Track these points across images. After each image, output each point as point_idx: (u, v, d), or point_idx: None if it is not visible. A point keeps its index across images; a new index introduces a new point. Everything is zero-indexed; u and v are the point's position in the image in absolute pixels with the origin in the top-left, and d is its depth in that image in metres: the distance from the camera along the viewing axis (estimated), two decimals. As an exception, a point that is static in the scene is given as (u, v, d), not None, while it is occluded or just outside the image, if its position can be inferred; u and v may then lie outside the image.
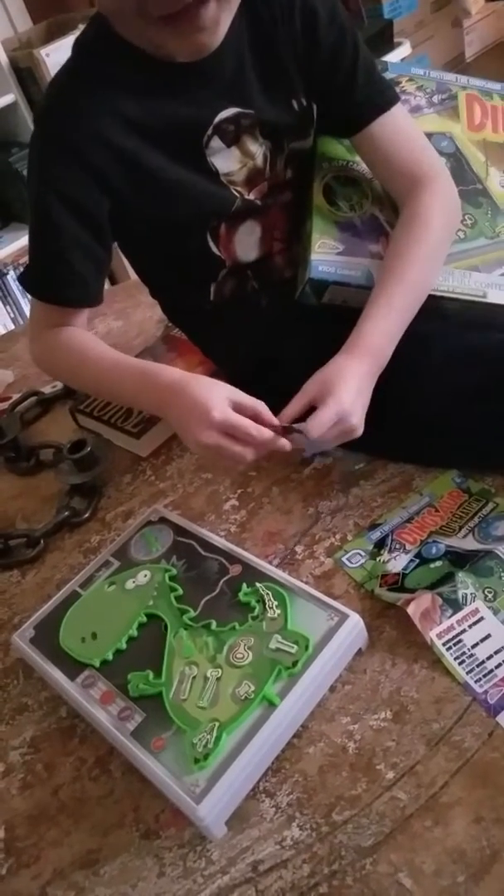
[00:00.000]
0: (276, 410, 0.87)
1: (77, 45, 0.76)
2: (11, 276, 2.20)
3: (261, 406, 0.70)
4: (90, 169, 0.73)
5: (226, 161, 0.78)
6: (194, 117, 0.76)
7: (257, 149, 0.79)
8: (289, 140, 0.81)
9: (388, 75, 0.91)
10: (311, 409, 0.71)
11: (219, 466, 0.73)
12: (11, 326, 2.24)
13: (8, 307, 2.26)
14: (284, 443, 0.70)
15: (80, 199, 0.74)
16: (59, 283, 0.79)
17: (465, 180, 0.85)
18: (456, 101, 0.92)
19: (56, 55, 2.11)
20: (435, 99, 0.92)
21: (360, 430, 0.72)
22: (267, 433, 0.68)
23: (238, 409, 0.68)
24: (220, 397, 0.68)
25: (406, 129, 0.82)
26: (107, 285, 0.87)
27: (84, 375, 0.82)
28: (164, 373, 0.74)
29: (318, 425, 0.69)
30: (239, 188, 0.80)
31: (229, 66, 0.73)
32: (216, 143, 0.77)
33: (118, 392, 0.80)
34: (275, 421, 0.70)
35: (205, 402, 0.67)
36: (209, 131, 0.76)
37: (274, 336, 0.88)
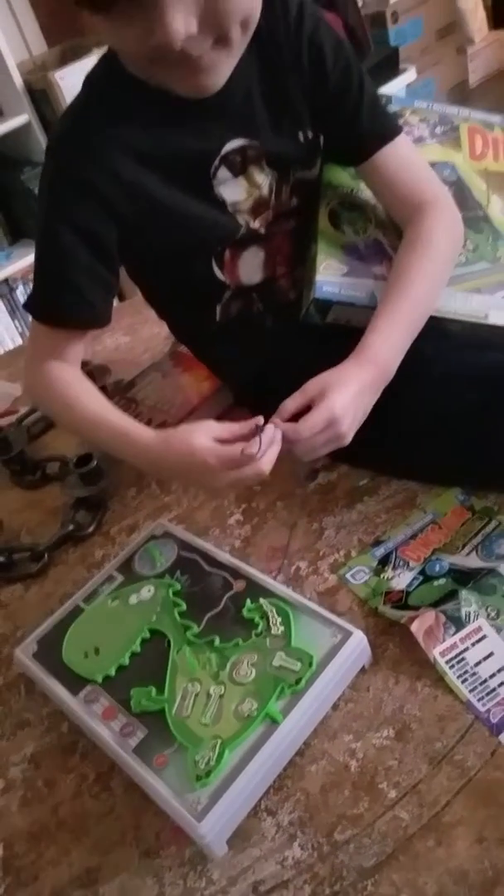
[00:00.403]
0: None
1: (87, 81, 0.78)
2: (21, 291, 2.23)
3: (239, 427, 0.70)
4: (100, 199, 0.74)
5: (233, 191, 0.80)
6: (202, 149, 0.77)
7: (263, 179, 0.81)
8: (294, 170, 0.83)
9: (393, 107, 0.93)
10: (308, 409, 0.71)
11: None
12: (19, 341, 2.26)
13: (16, 321, 2.29)
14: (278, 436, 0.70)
15: (90, 227, 0.75)
16: (66, 306, 0.79)
17: (467, 207, 0.87)
18: (458, 133, 0.94)
19: (70, 78, 2.15)
20: (437, 130, 0.94)
21: (348, 439, 0.71)
22: (266, 440, 0.67)
23: (224, 442, 0.69)
24: (204, 444, 0.68)
25: (409, 157, 0.84)
26: (115, 302, 0.88)
27: (69, 423, 0.83)
28: (140, 436, 0.74)
29: (308, 427, 0.69)
30: (245, 217, 0.82)
31: (237, 98, 0.75)
32: (223, 173, 0.79)
33: (103, 447, 0.82)
34: (260, 420, 0.69)
35: (194, 455, 0.68)
36: (216, 162, 0.78)
37: (279, 355, 0.88)
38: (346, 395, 0.71)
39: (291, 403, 0.71)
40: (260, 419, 0.69)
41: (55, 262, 0.78)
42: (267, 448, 0.67)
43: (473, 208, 0.88)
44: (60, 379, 0.81)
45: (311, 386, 0.72)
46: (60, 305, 0.80)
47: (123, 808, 0.63)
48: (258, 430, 0.68)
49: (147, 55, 0.65)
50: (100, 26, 0.64)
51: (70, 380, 0.81)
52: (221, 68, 0.68)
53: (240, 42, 0.67)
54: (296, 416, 0.71)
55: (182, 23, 0.60)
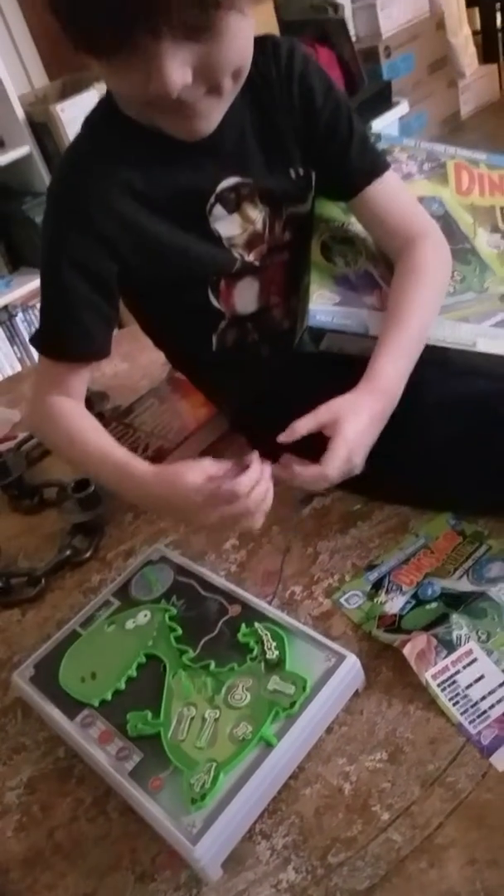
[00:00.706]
0: (279, 453, 0.89)
1: (87, 122, 0.80)
2: (20, 318, 2.26)
3: (232, 465, 0.70)
4: (101, 237, 0.77)
5: (228, 226, 0.82)
6: (198, 187, 0.79)
7: (257, 214, 0.83)
8: (286, 206, 0.85)
9: (381, 145, 0.97)
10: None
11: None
12: (18, 367, 2.28)
13: (16, 348, 2.31)
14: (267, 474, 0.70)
15: (91, 264, 0.78)
16: (68, 340, 0.81)
17: (454, 240, 0.89)
18: (445, 169, 0.97)
19: (70, 111, 2.20)
20: (425, 167, 0.97)
21: (360, 468, 0.73)
22: (249, 478, 0.67)
23: (213, 480, 0.69)
24: (190, 481, 0.68)
25: (398, 192, 0.87)
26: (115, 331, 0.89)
27: (71, 457, 0.84)
28: (136, 468, 0.75)
29: (331, 466, 0.71)
30: (240, 251, 0.84)
31: (231, 138, 0.77)
32: (218, 210, 0.81)
33: (102, 481, 0.83)
34: (251, 459, 0.70)
35: (178, 491, 0.69)
36: (212, 199, 0.80)
37: (274, 383, 0.90)
38: (360, 426, 0.72)
39: (302, 427, 0.72)
40: (252, 456, 0.70)
41: (58, 297, 0.80)
42: (252, 486, 0.67)
43: (461, 241, 0.91)
44: (62, 412, 0.82)
45: (324, 412, 0.73)
46: (63, 339, 0.81)
47: (119, 832, 0.63)
48: (242, 468, 0.68)
49: (143, 99, 0.67)
50: (99, 69, 0.66)
51: (71, 413, 0.82)
52: (213, 114, 0.71)
53: (231, 90, 0.70)
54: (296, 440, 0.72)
55: (179, 74, 0.63)
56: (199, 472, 0.69)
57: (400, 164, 0.95)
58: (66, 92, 2.37)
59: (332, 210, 0.92)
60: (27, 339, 2.30)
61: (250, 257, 0.85)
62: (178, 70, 0.63)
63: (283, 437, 0.71)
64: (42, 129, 2.24)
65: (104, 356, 0.84)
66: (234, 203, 0.81)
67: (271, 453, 0.72)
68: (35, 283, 2.25)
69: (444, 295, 0.85)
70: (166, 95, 0.64)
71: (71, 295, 0.78)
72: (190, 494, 0.68)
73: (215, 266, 0.84)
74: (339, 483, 0.84)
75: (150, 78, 0.63)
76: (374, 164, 0.85)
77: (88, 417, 0.83)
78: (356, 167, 0.84)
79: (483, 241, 0.93)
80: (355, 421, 0.72)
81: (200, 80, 0.66)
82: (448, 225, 0.90)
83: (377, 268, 0.89)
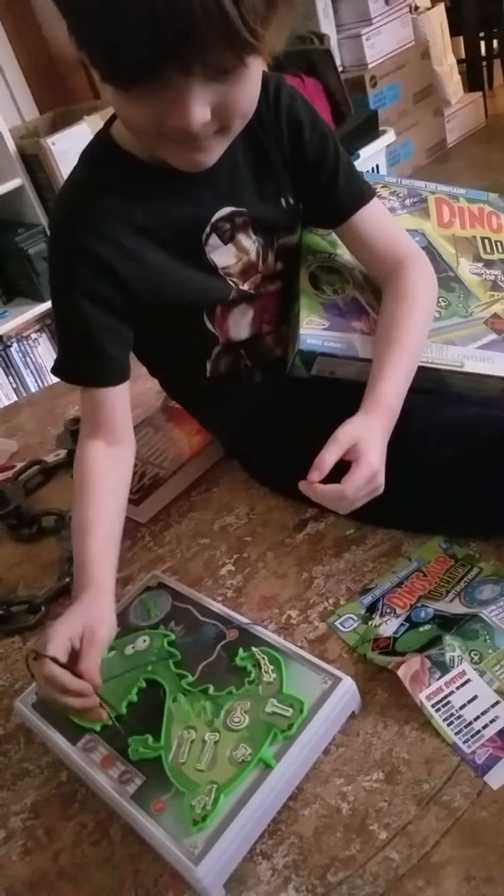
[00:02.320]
0: (274, 480, 0.91)
1: (84, 157, 0.82)
2: (15, 349, 2.28)
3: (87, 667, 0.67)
4: (106, 269, 0.79)
5: (223, 256, 0.85)
6: (194, 217, 0.82)
7: (251, 245, 0.86)
8: (278, 236, 0.88)
9: None
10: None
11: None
12: (14, 398, 2.30)
13: (10, 378, 2.33)
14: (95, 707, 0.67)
15: (100, 291, 0.79)
16: (90, 367, 0.82)
17: (438, 269, 0.93)
18: (426, 204, 1.01)
19: (61, 144, 2.24)
20: (407, 202, 1.01)
21: (382, 489, 0.75)
22: (76, 684, 0.65)
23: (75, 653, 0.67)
24: (60, 636, 0.67)
25: (383, 219, 0.91)
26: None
27: (73, 514, 0.82)
28: (82, 583, 0.74)
29: (354, 488, 0.72)
30: (235, 279, 0.87)
31: (225, 168, 0.80)
32: (214, 240, 0.84)
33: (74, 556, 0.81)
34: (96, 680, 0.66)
35: (48, 633, 0.68)
36: (207, 230, 0.83)
37: (268, 409, 0.93)
38: (378, 447, 0.75)
39: (329, 458, 0.73)
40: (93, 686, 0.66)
41: (76, 327, 0.81)
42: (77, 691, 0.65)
43: (444, 270, 0.95)
44: (85, 465, 0.82)
45: (344, 437, 0.74)
46: (86, 365, 0.83)
47: (122, 855, 0.64)
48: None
49: (155, 130, 0.68)
50: (113, 97, 0.67)
51: (90, 468, 0.82)
52: (217, 149, 0.73)
53: (237, 129, 0.72)
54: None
55: (201, 112, 0.64)
56: (66, 636, 0.67)
57: (383, 200, 0.99)
58: (57, 125, 2.43)
59: (319, 242, 0.95)
60: (22, 369, 2.32)
61: (245, 286, 0.88)
62: (200, 108, 0.64)
63: (314, 476, 0.72)
64: (33, 161, 2.29)
65: (128, 377, 0.85)
66: (229, 233, 0.84)
67: (270, 480, 0.73)
68: (28, 314, 2.29)
69: (431, 318, 0.88)
70: (185, 130, 0.65)
71: (87, 322, 0.80)
72: (48, 642, 0.66)
73: (212, 295, 0.86)
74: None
75: (169, 111, 0.64)
76: (361, 192, 0.89)
77: (101, 480, 0.82)
78: (344, 195, 0.87)
79: (466, 269, 0.96)
80: (374, 444, 0.75)
81: (216, 119, 0.67)
82: (431, 255, 0.94)
83: (363, 295, 0.92)
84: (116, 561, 0.79)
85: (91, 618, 0.70)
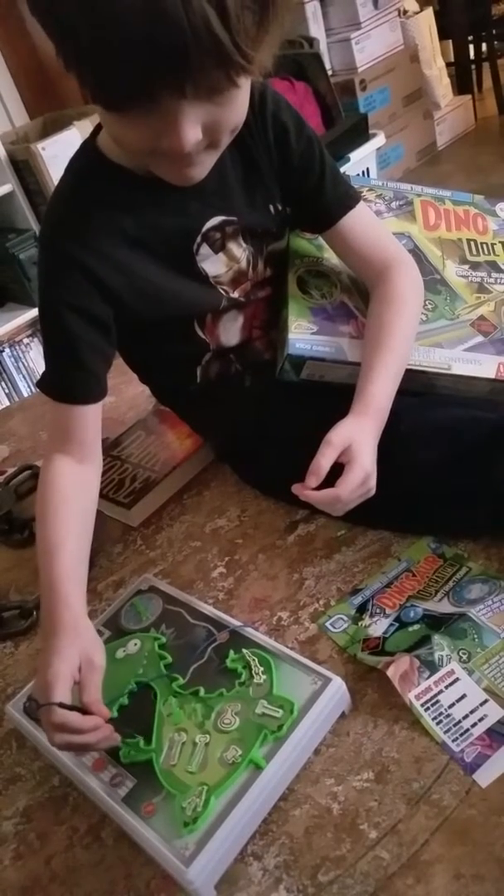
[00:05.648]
0: (265, 482, 0.92)
1: (70, 168, 0.82)
2: (7, 354, 2.28)
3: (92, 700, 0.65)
4: (95, 282, 0.78)
5: (214, 265, 0.85)
6: (184, 227, 0.82)
7: (241, 253, 0.86)
8: (267, 243, 0.89)
9: None
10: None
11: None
12: (6, 403, 2.30)
13: (3, 383, 2.33)
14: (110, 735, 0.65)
15: (88, 306, 0.79)
16: (74, 383, 0.82)
17: (424, 272, 0.93)
18: (412, 207, 1.02)
19: (51, 149, 2.24)
20: (393, 205, 1.02)
21: (373, 491, 0.76)
22: (90, 723, 0.63)
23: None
24: (63, 676, 0.64)
25: (370, 222, 0.91)
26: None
27: (38, 532, 0.79)
28: (56, 606, 0.71)
29: (349, 490, 0.73)
30: (225, 287, 0.87)
31: (214, 178, 0.80)
32: (205, 249, 0.84)
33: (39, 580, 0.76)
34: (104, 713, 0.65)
35: (46, 676, 0.64)
36: (198, 239, 0.83)
37: (259, 412, 0.93)
38: (370, 449, 0.76)
39: (325, 461, 0.73)
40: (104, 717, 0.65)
41: (60, 342, 0.81)
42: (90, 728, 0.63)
43: (430, 272, 0.95)
44: (51, 482, 0.80)
45: (337, 440, 0.74)
46: (69, 382, 0.82)
47: (114, 858, 0.64)
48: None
49: (147, 150, 0.68)
50: (103, 115, 0.67)
51: (58, 486, 0.80)
52: (207, 162, 0.74)
53: (226, 143, 0.73)
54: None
55: (193, 132, 0.64)
56: (67, 673, 0.65)
57: (370, 203, 0.99)
58: (47, 130, 2.43)
59: (306, 246, 0.96)
60: (14, 374, 2.32)
61: (235, 294, 0.88)
62: (192, 129, 0.64)
63: (312, 482, 0.72)
64: (24, 166, 2.29)
65: (105, 395, 0.85)
66: (219, 243, 0.84)
67: (260, 482, 0.73)
68: (20, 319, 2.29)
69: (419, 320, 0.89)
70: (178, 150, 0.65)
71: (73, 338, 0.79)
72: (49, 697, 0.63)
73: (204, 304, 0.87)
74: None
75: (161, 132, 0.64)
76: (348, 196, 0.89)
77: (68, 499, 0.79)
78: (331, 200, 0.88)
79: (452, 271, 0.97)
80: (366, 446, 0.75)
81: (206, 136, 0.67)
82: (418, 258, 0.94)
83: (351, 299, 0.92)
84: (86, 581, 0.76)
85: (84, 643, 0.68)
